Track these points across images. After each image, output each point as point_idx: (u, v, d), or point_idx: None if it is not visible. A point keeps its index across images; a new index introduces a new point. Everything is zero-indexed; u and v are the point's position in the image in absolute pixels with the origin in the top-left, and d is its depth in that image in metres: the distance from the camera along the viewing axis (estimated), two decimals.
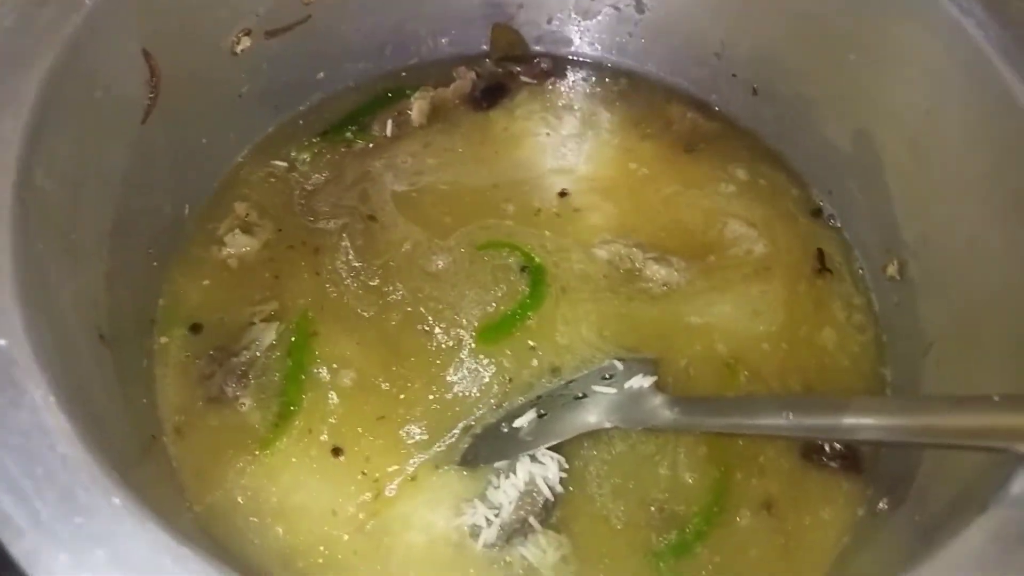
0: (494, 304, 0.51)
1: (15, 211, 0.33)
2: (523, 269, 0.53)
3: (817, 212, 0.58)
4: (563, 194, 0.57)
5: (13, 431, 0.27)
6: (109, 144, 0.43)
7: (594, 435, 0.46)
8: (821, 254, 0.55)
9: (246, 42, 0.51)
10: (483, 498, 0.44)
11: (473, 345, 0.49)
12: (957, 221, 0.47)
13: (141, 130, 0.45)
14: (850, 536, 0.46)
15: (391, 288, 0.52)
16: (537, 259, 0.53)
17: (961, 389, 0.45)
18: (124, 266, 0.44)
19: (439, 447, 0.46)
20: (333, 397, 0.47)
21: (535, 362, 0.49)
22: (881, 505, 0.45)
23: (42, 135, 0.36)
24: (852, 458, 0.47)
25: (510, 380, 0.48)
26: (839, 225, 0.57)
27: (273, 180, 0.56)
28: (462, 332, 0.50)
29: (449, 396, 0.48)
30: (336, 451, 0.46)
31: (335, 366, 0.48)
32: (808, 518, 0.46)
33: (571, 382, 0.47)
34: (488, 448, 0.45)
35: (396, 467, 0.45)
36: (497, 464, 0.45)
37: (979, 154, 0.45)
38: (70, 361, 0.31)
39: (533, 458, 0.44)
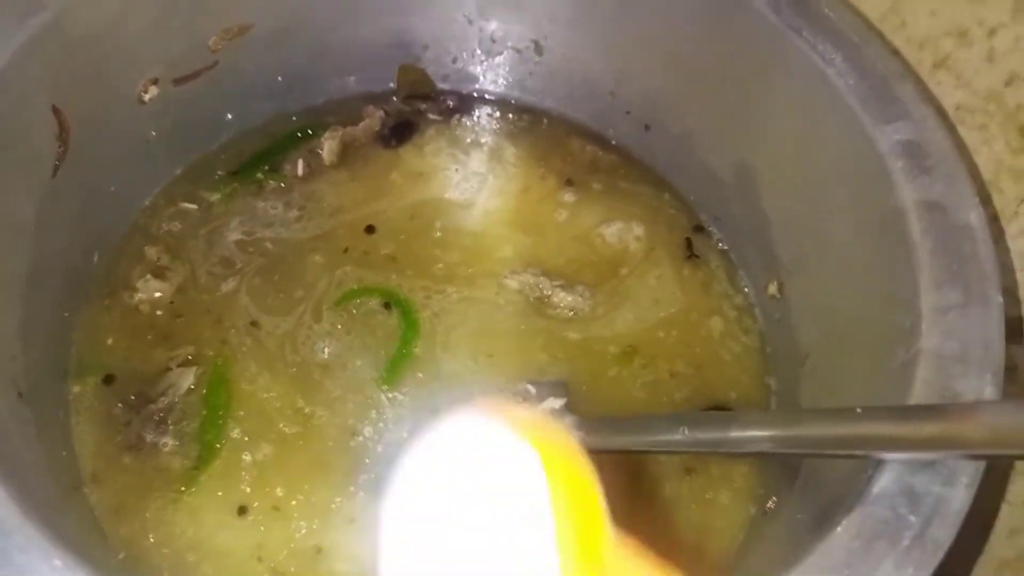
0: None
1: None
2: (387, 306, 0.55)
3: (700, 228, 0.62)
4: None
5: None
6: (19, 197, 0.43)
7: None
8: (689, 242, 0.61)
9: (154, 91, 0.52)
10: None
11: (384, 388, 0.52)
12: (828, 244, 0.52)
13: (51, 182, 0.46)
14: (744, 534, 0.50)
15: (286, 347, 0.53)
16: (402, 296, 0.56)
17: (831, 398, 0.50)
18: (37, 317, 0.45)
19: (363, 480, 0.48)
20: (248, 445, 0.49)
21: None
22: (770, 504, 0.50)
23: None
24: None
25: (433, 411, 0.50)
26: (726, 248, 0.62)
27: (183, 223, 0.57)
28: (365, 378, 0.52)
29: (364, 436, 0.50)
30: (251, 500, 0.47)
31: (246, 413, 0.50)
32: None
33: None
34: None
35: (320, 505, 0.47)
36: None
37: (844, 186, 0.50)
38: (12, 434, 0.32)
39: None
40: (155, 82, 0.51)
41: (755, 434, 0.41)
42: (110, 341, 0.51)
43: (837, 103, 0.49)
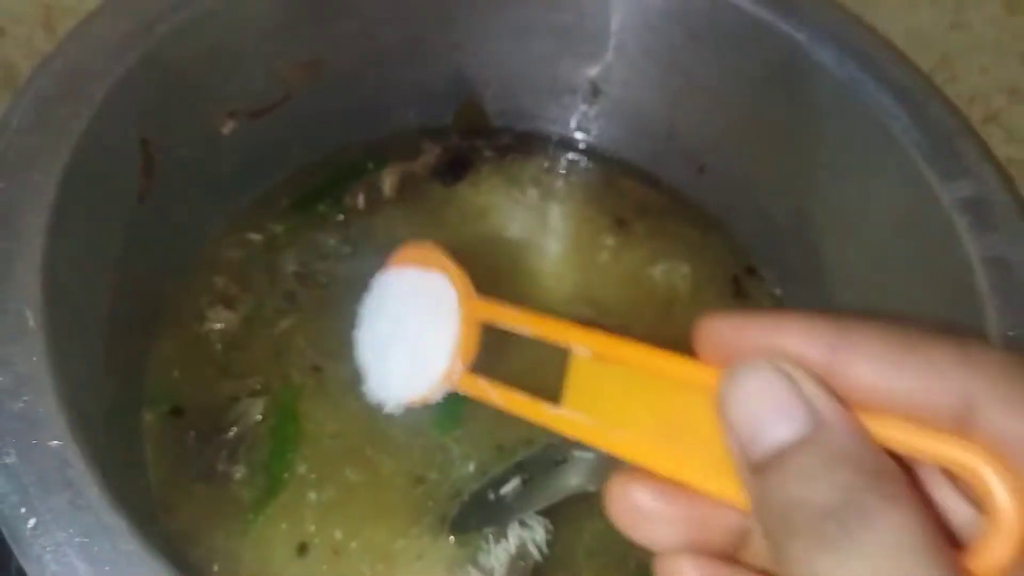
0: None
1: (46, 312, 0.34)
2: None
3: (751, 270, 0.64)
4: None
5: (79, 532, 0.28)
6: (109, 229, 0.44)
7: (575, 496, 0.50)
8: (736, 280, 0.61)
9: (231, 124, 0.53)
10: (475, 563, 0.47)
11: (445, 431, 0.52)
12: (889, 297, 0.53)
13: (135, 212, 0.47)
14: None
15: (350, 392, 0.52)
16: None
17: None
18: (116, 346, 0.45)
19: (427, 522, 0.49)
20: (314, 484, 0.49)
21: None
22: None
23: (60, 232, 0.38)
24: None
25: (498, 447, 0.51)
26: (778, 293, 0.63)
27: (249, 253, 0.58)
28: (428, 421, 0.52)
29: (429, 481, 0.50)
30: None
31: (312, 452, 0.50)
32: None
33: (550, 446, 0.51)
34: (477, 515, 0.48)
35: (386, 539, 0.48)
36: (486, 529, 0.48)
37: (906, 239, 0.51)
38: (102, 456, 0.33)
39: (522, 522, 0.47)
40: (233, 115, 0.52)
41: None
42: (180, 370, 0.51)
43: (900, 157, 0.50)
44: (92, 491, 0.29)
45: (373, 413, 0.51)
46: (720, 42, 0.56)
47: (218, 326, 0.53)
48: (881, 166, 0.52)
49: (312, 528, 0.48)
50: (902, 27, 0.63)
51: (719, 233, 0.65)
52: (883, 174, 0.52)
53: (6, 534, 0.28)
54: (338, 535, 0.48)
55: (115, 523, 0.29)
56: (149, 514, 0.44)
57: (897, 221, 0.52)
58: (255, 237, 0.58)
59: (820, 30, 0.53)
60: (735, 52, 0.56)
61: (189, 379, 0.51)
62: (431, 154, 0.65)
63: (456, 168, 0.66)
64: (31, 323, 0.33)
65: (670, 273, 0.62)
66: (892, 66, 0.52)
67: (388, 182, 0.63)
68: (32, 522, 0.28)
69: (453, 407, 0.52)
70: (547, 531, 0.48)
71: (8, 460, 0.29)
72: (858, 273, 0.55)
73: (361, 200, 0.62)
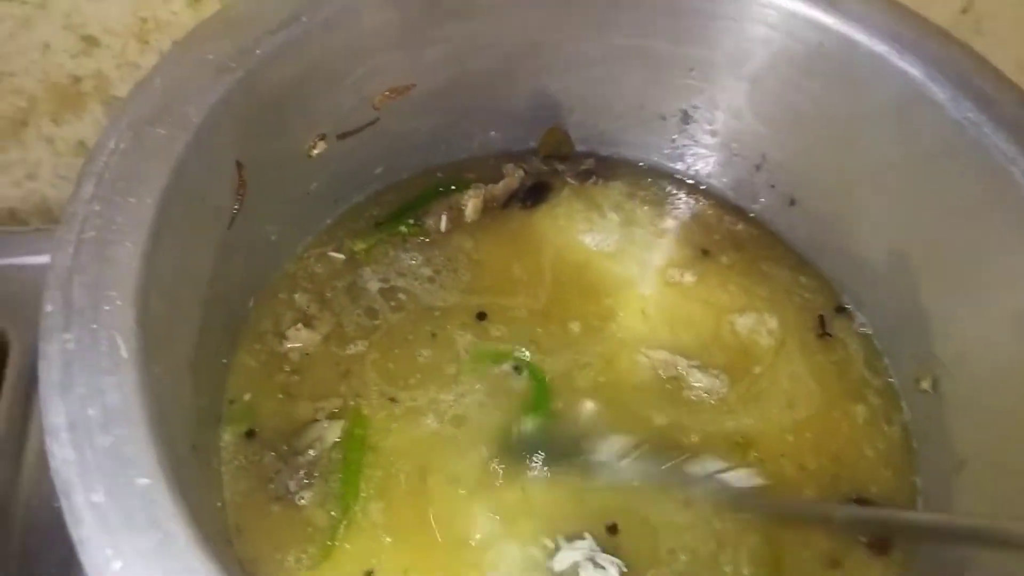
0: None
1: (139, 341, 0.34)
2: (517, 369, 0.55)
3: (841, 308, 0.61)
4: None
5: None
6: (200, 252, 0.44)
7: (653, 534, 0.48)
8: (822, 319, 0.59)
9: (321, 146, 0.52)
10: None
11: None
12: (998, 349, 0.49)
13: (226, 235, 0.47)
14: None
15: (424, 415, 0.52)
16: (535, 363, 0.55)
17: (992, 512, 0.48)
18: (203, 364, 0.45)
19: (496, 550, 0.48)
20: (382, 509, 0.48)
21: None
22: None
23: (155, 257, 0.37)
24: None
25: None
26: (868, 332, 0.60)
27: (331, 272, 0.57)
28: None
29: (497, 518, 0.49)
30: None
31: (383, 476, 0.49)
32: None
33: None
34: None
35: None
36: (559, 568, 0.46)
37: (1019, 291, 0.48)
38: (190, 490, 0.32)
39: (595, 563, 0.46)
40: (323, 137, 0.52)
41: None
42: (259, 389, 0.51)
43: (1017, 203, 0.47)
44: (180, 532, 0.29)
45: (444, 441, 0.52)
46: (829, 75, 0.53)
47: (299, 345, 0.53)
48: (994, 212, 0.49)
49: (379, 558, 0.47)
50: (1013, 57, 0.59)
51: (807, 269, 0.63)
52: (997, 220, 0.49)
53: None
54: (405, 563, 0.47)
55: (205, 568, 0.28)
56: (224, 539, 0.44)
57: (1009, 272, 0.49)
58: (336, 256, 0.58)
59: (937, 66, 0.50)
60: (844, 86, 0.53)
61: (267, 398, 0.51)
62: (513, 177, 0.64)
63: (537, 192, 0.65)
64: (123, 352, 0.33)
65: (756, 326, 0.59)
66: (1013, 107, 0.49)
67: (471, 204, 0.62)
68: (118, 565, 0.28)
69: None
70: (621, 571, 0.46)
71: (96, 499, 0.29)
72: (964, 322, 0.52)
73: (444, 222, 0.61)
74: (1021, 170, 0.48)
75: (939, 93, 0.50)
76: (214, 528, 0.43)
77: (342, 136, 0.54)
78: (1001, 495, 0.47)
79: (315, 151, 0.52)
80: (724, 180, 0.65)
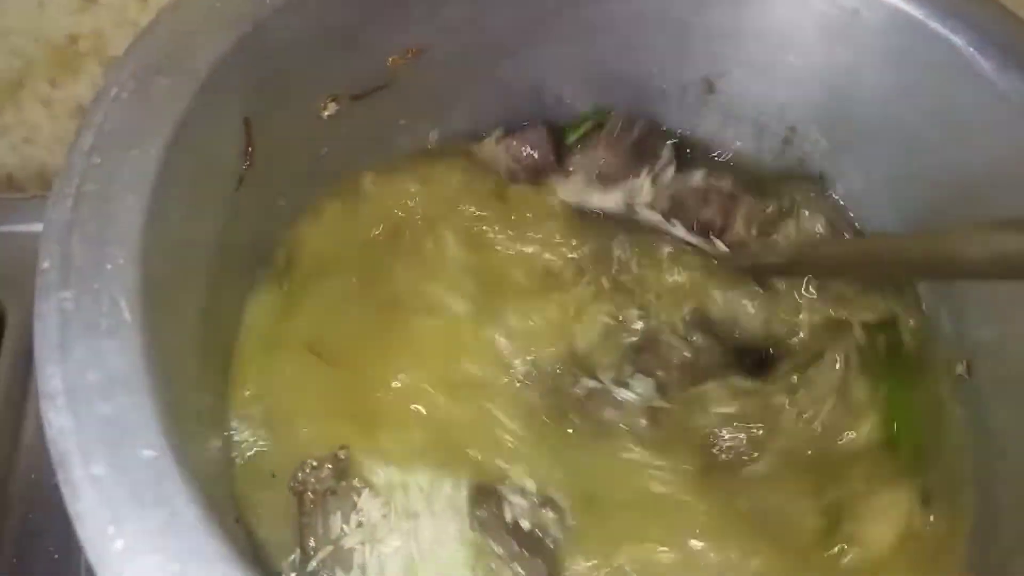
0: None
1: (142, 303, 0.31)
2: None
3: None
4: None
5: (173, 557, 0.25)
6: (207, 213, 0.42)
7: None
8: None
9: (332, 107, 0.50)
10: None
11: None
12: None
13: (233, 196, 0.44)
14: None
15: None
16: None
17: None
18: (210, 337, 0.43)
19: None
20: None
21: None
22: None
23: (158, 216, 0.35)
24: None
25: None
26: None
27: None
28: None
29: None
30: None
31: None
32: None
33: None
34: None
35: None
36: None
37: None
38: (197, 463, 0.30)
39: None
40: (335, 98, 0.49)
41: None
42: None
43: None
44: (189, 510, 0.26)
45: None
46: (865, 45, 0.50)
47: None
48: None
49: None
50: None
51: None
52: None
53: (90, 556, 0.25)
54: None
55: (214, 549, 0.26)
56: (233, 517, 0.41)
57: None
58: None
59: (982, 33, 0.48)
60: (881, 56, 0.51)
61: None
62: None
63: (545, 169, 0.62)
64: (126, 314, 0.30)
65: None
66: None
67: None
68: (120, 544, 0.25)
69: None
70: None
71: (96, 471, 0.26)
72: (1005, 309, 0.50)
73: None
74: None
75: (983, 63, 0.48)
76: (223, 505, 0.40)
77: (355, 98, 0.51)
78: None
79: (326, 112, 0.49)
80: (751, 154, 0.63)
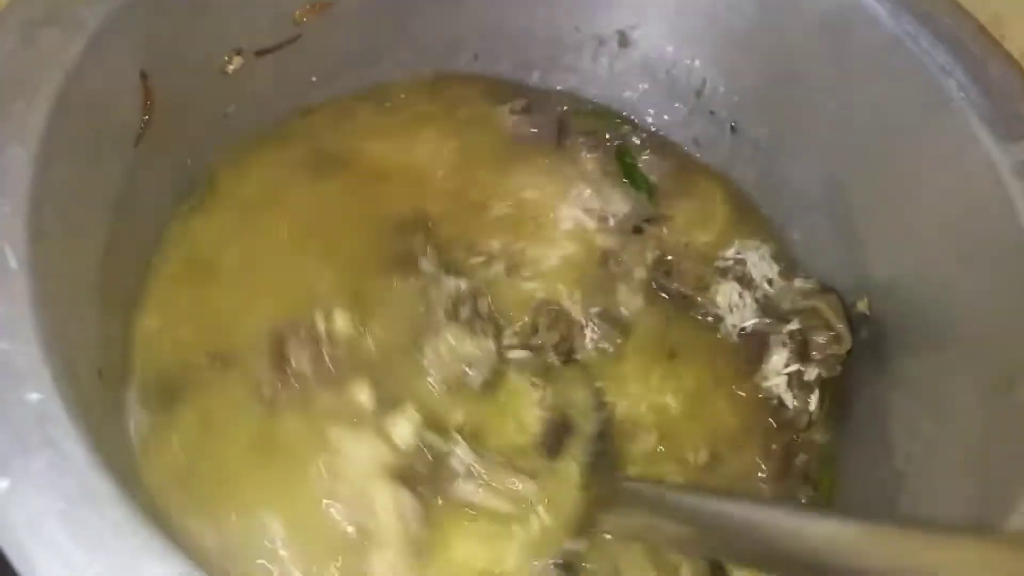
0: None
1: (31, 252, 0.31)
2: None
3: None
4: None
5: (59, 497, 0.25)
6: (103, 168, 0.41)
7: None
8: None
9: (237, 62, 0.49)
10: None
11: None
12: (929, 277, 0.49)
13: (133, 152, 0.43)
14: None
15: None
16: None
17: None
18: (111, 294, 0.42)
19: None
20: None
21: None
22: None
23: (49, 167, 0.34)
24: None
25: None
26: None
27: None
28: None
29: None
30: None
31: None
32: None
33: None
34: None
35: None
36: None
37: (955, 211, 0.48)
38: (89, 412, 0.30)
39: None
40: (239, 52, 0.49)
41: None
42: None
43: (954, 118, 0.47)
44: (76, 451, 0.26)
45: None
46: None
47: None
48: (932, 127, 0.48)
49: None
50: None
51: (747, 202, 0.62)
52: (934, 136, 0.48)
53: None
54: None
55: (101, 488, 0.26)
56: (131, 469, 0.41)
57: (947, 190, 0.48)
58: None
59: None
60: (778, 2, 0.52)
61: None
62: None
63: None
64: (12, 263, 0.30)
65: None
66: (948, 20, 0.49)
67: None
68: (5, 484, 0.25)
69: None
70: None
71: None
72: (899, 249, 0.52)
73: None
74: (958, 82, 0.47)
75: (877, 7, 0.49)
76: (119, 457, 0.40)
77: (260, 53, 0.51)
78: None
79: (231, 67, 0.49)
80: (662, 108, 0.64)
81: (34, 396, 0.27)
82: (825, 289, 0.54)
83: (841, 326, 0.51)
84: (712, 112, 0.62)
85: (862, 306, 0.54)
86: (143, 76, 0.42)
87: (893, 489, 0.47)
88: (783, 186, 0.60)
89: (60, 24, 0.37)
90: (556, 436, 0.46)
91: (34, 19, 0.37)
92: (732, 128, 0.61)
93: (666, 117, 0.64)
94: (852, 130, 0.54)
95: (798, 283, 0.55)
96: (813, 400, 0.51)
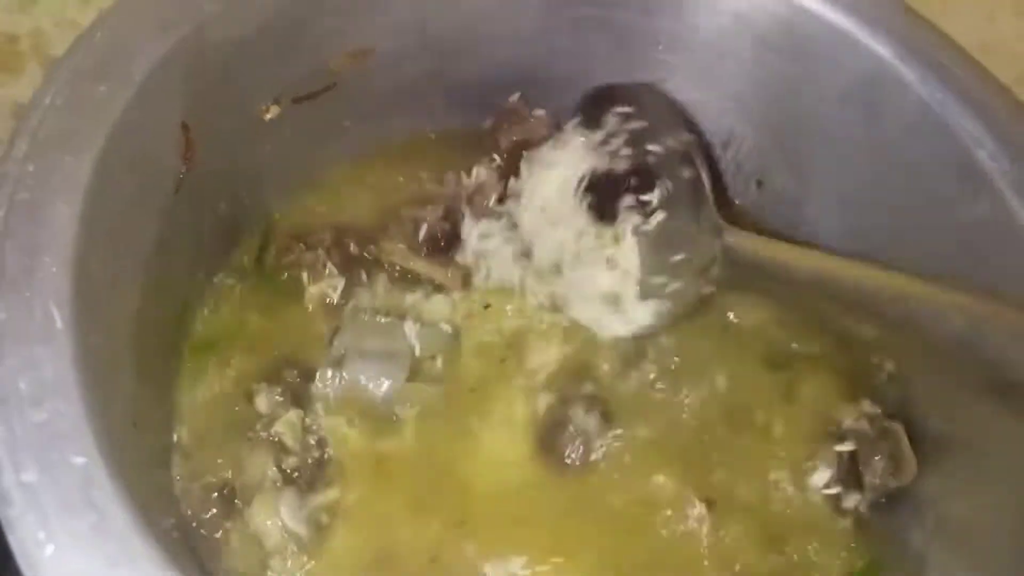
0: None
1: (75, 311, 0.32)
2: None
3: None
4: None
5: (103, 561, 0.26)
6: (143, 220, 0.42)
7: None
8: None
9: (275, 110, 0.50)
10: None
11: None
12: None
13: (171, 202, 0.44)
14: None
15: None
16: None
17: None
18: (147, 342, 0.43)
19: None
20: None
21: None
22: None
23: (93, 223, 0.35)
24: None
25: None
26: None
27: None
28: None
29: None
30: None
31: None
32: None
33: None
34: None
35: None
36: None
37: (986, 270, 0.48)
38: (130, 470, 0.30)
39: None
40: (277, 101, 0.50)
41: None
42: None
43: (987, 186, 0.47)
44: (119, 515, 0.27)
45: None
46: (797, 52, 0.52)
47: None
48: (962, 194, 0.49)
49: None
50: (977, 40, 0.59)
51: None
52: (963, 203, 0.49)
53: (20, 562, 0.26)
54: None
55: (144, 552, 0.26)
56: (172, 524, 0.41)
57: (972, 252, 0.48)
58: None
59: (905, 45, 0.50)
60: (812, 64, 0.52)
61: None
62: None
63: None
64: (59, 323, 0.31)
65: None
66: (979, 87, 0.49)
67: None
68: (50, 549, 0.26)
69: None
70: None
71: (26, 478, 0.27)
72: None
73: None
74: (988, 152, 0.47)
75: (907, 73, 0.50)
76: (160, 512, 0.41)
77: (298, 100, 0.51)
78: None
79: (268, 115, 0.50)
80: None
81: (79, 459, 0.28)
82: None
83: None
84: (739, 165, 0.62)
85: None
86: (184, 127, 0.43)
87: None
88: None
89: (108, 78, 0.38)
90: None
91: (84, 74, 0.38)
92: (759, 183, 0.62)
93: None
94: (880, 190, 0.54)
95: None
96: None
